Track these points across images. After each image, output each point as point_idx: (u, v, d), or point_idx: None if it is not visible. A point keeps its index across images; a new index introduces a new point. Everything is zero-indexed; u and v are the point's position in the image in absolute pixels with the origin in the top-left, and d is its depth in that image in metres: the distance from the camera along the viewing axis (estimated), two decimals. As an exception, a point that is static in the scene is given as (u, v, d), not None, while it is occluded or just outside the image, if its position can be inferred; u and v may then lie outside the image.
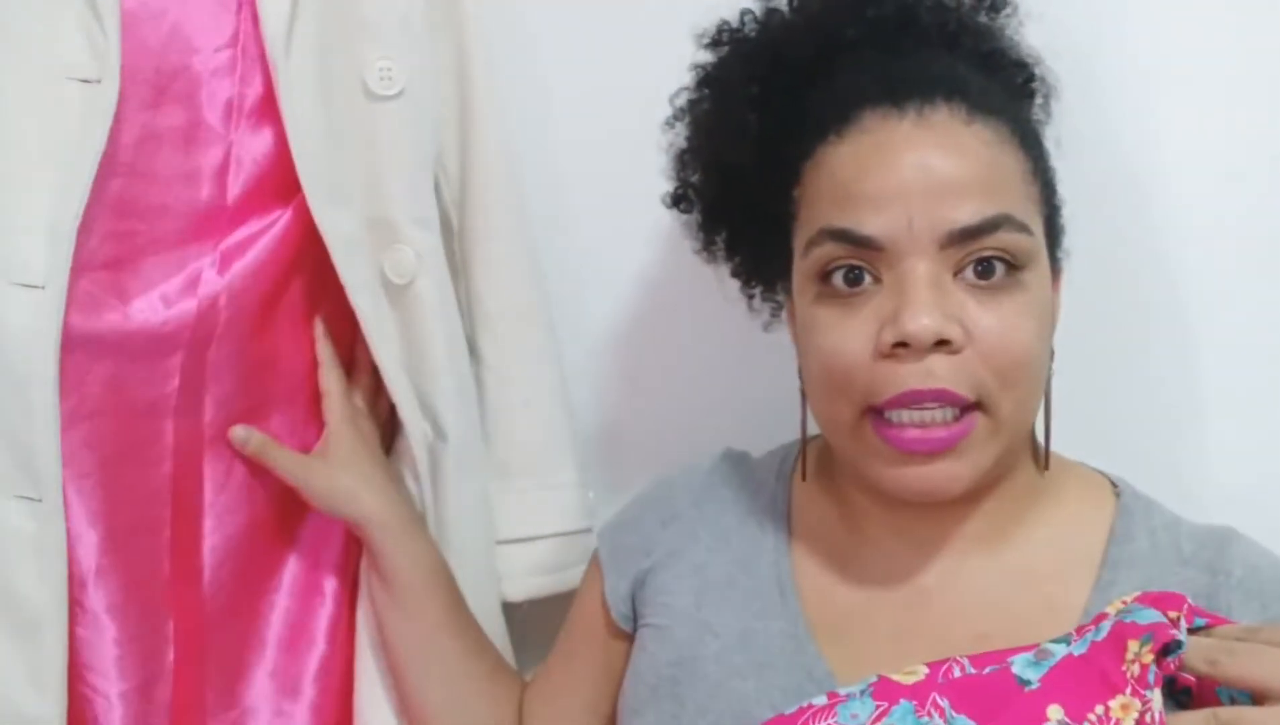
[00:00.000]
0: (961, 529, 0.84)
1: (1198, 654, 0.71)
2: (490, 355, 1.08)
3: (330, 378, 0.99)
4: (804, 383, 0.86)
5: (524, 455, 1.08)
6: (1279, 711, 0.69)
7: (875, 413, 0.79)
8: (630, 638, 0.93)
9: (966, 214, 0.77)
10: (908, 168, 0.78)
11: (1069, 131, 0.91)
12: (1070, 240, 0.88)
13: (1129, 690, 0.70)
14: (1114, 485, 0.87)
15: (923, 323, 0.75)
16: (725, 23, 0.91)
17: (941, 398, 0.77)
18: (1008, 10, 0.89)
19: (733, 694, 0.84)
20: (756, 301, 0.96)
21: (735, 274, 0.96)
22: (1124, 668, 0.71)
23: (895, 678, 0.75)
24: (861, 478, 0.83)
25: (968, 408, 0.78)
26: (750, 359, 1.07)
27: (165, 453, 0.94)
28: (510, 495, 1.08)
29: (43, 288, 0.89)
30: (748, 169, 0.88)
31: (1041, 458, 0.86)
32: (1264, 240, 1.00)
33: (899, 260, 0.78)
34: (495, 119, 1.07)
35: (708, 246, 0.95)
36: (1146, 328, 1.05)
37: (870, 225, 0.78)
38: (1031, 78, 0.90)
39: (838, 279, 0.80)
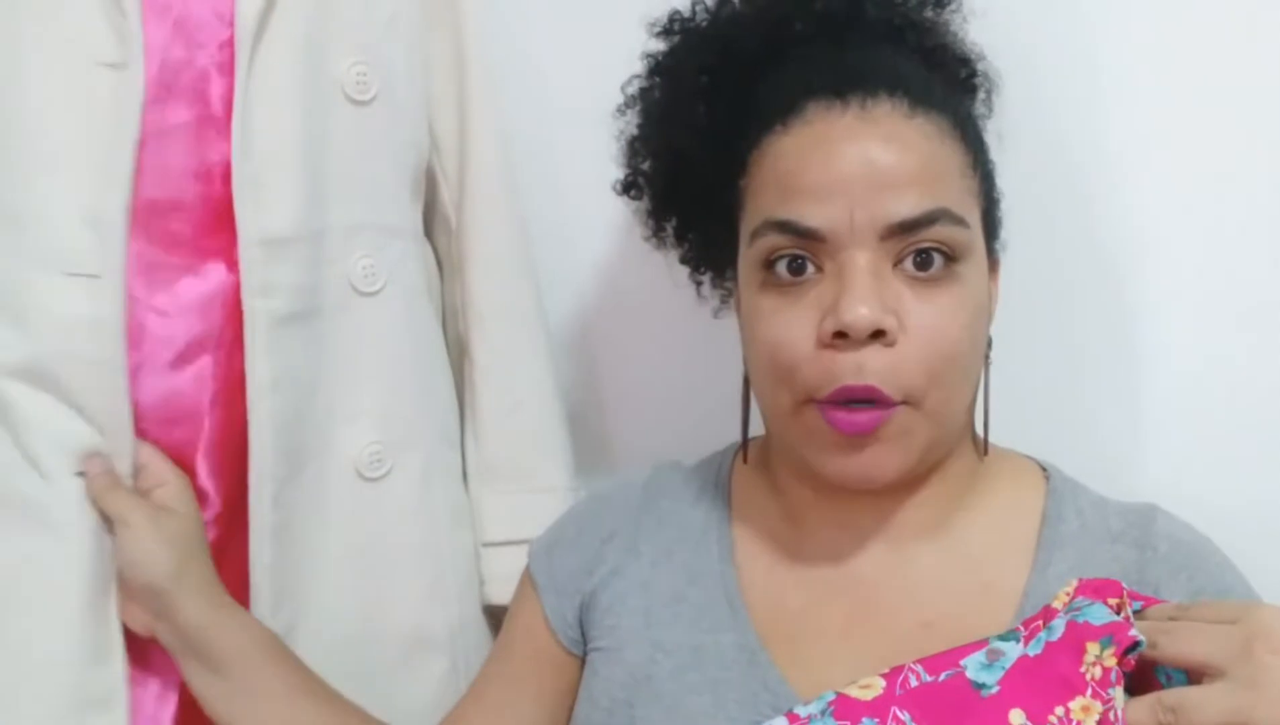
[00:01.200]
0: (901, 517, 0.86)
1: None
2: (482, 356, 1.08)
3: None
4: (748, 370, 0.87)
5: (514, 457, 1.09)
6: (1217, 687, 0.71)
7: (814, 401, 0.80)
8: (577, 659, 0.92)
9: (906, 206, 0.78)
10: (849, 160, 0.79)
11: (1009, 126, 0.93)
12: (1010, 233, 0.90)
13: (1089, 692, 0.72)
14: (1043, 470, 0.89)
15: (860, 312, 0.77)
16: (676, 12, 0.92)
17: (869, 395, 0.78)
18: (952, 6, 0.91)
19: (688, 712, 0.84)
20: (706, 288, 0.98)
21: (684, 260, 0.96)
22: (1083, 669, 0.72)
23: (853, 694, 0.75)
24: (802, 465, 0.85)
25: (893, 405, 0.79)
26: (730, 359, 1.04)
27: (188, 463, 0.95)
28: (499, 497, 1.08)
29: (98, 277, 0.89)
30: (696, 159, 0.89)
31: (979, 445, 0.88)
32: (1202, 234, 1.02)
33: (840, 251, 0.79)
34: (493, 119, 1.07)
35: (657, 233, 0.96)
36: (1084, 319, 1.06)
37: (812, 217, 0.79)
38: (974, 73, 0.92)
39: (781, 268, 0.81)
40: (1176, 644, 0.73)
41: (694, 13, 0.91)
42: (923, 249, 0.79)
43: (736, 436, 0.95)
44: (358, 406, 1.00)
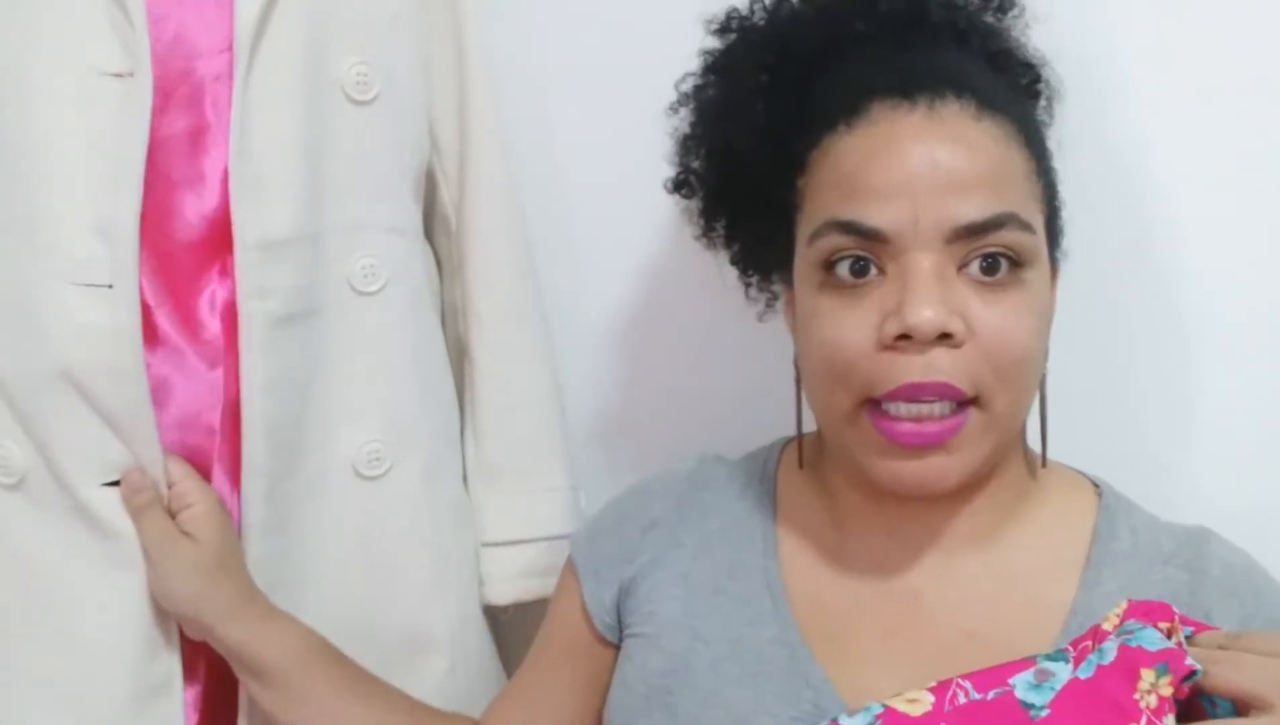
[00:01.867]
0: (950, 527, 0.84)
1: None
2: (481, 356, 1.08)
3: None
4: (801, 372, 0.86)
5: (514, 457, 1.08)
6: (1263, 720, 0.69)
7: (873, 404, 0.79)
8: (615, 647, 0.92)
9: (973, 210, 0.77)
10: (915, 160, 0.78)
11: (1069, 134, 0.91)
12: (1067, 241, 0.88)
13: (1144, 721, 0.70)
14: (1095, 486, 0.88)
15: (925, 316, 0.75)
16: (735, 10, 0.90)
17: (942, 392, 0.77)
18: (1015, 11, 0.89)
19: (727, 704, 0.83)
20: (753, 291, 0.96)
21: (734, 261, 0.95)
22: (1137, 696, 0.71)
23: (900, 707, 0.74)
24: (854, 470, 0.83)
25: (963, 403, 0.78)
26: (746, 360, 1.08)
27: (207, 475, 0.95)
28: (499, 498, 1.07)
29: (110, 287, 0.90)
30: (753, 157, 0.87)
31: (1031, 458, 0.87)
32: (1256, 245, 1.01)
33: (903, 253, 0.77)
34: (493, 119, 1.06)
35: (707, 233, 0.95)
36: (1139, 330, 1.05)
37: (876, 217, 0.78)
38: (1037, 79, 0.90)
39: (843, 269, 0.79)
40: (1225, 673, 0.72)
41: (752, 10, 0.90)
42: (989, 254, 0.78)
43: (744, 439, 0.95)
44: (357, 406, 1.00)
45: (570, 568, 0.95)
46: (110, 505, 0.93)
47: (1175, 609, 0.75)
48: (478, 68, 1.05)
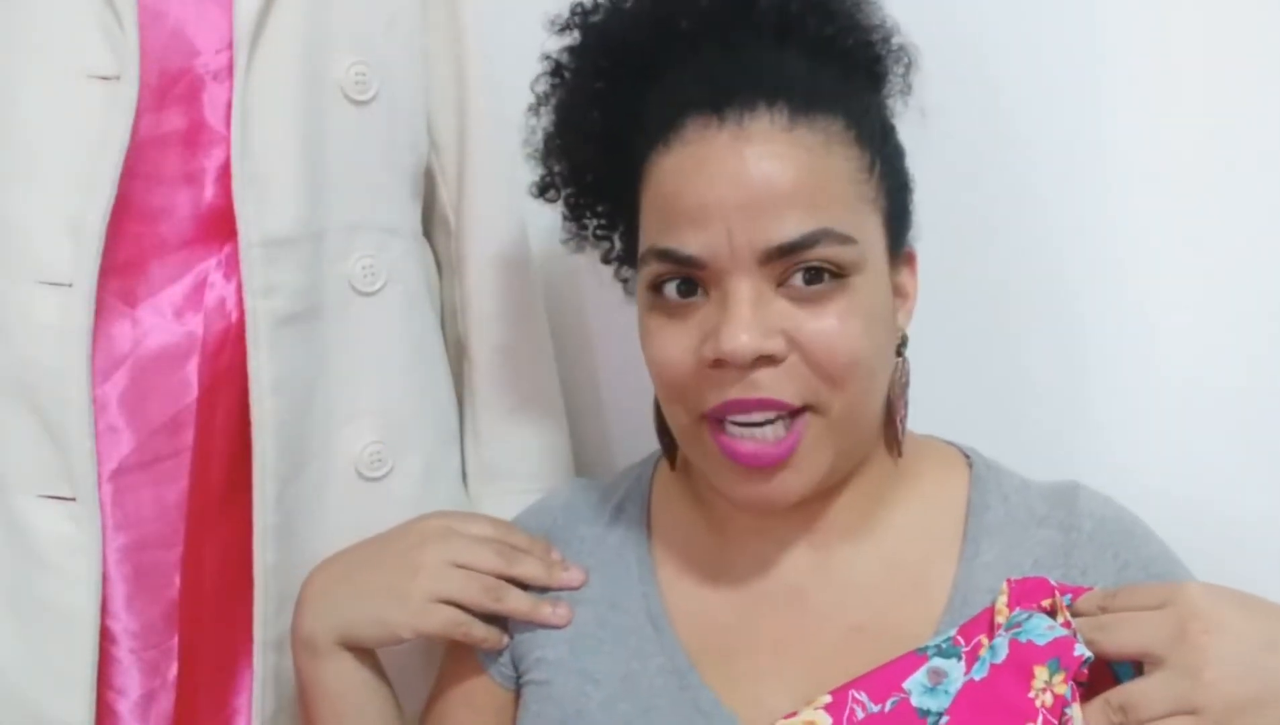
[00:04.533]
0: (824, 522, 0.85)
1: None
2: (481, 356, 1.08)
3: None
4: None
5: (513, 458, 1.08)
6: (1158, 677, 0.71)
7: (713, 421, 0.79)
8: (514, 693, 0.91)
9: (786, 229, 0.76)
10: (725, 183, 0.77)
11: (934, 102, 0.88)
12: (935, 213, 0.87)
13: (1040, 720, 0.71)
14: (966, 456, 0.88)
15: (741, 341, 0.76)
16: (578, 5, 0.88)
17: (765, 406, 0.77)
18: None
19: None
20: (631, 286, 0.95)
21: (605, 260, 0.94)
22: (1032, 695, 0.72)
23: None
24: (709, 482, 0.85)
25: (798, 412, 0.78)
26: None
27: (183, 468, 0.94)
28: (499, 497, 1.07)
29: (70, 286, 0.89)
30: (597, 166, 0.88)
31: (896, 442, 0.86)
32: (1130, 215, 0.99)
33: (722, 276, 0.78)
34: (493, 118, 1.06)
35: (577, 235, 0.94)
36: (1011, 302, 1.04)
37: (691, 245, 0.78)
38: (878, 59, 0.86)
39: (670, 291, 0.80)
40: (1113, 638, 0.74)
41: (595, 4, 0.88)
42: (809, 268, 0.78)
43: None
44: (358, 406, 1.00)
45: None
46: (43, 519, 0.91)
47: (1052, 580, 0.77)
48: (477, 67, 1.05)
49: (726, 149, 0.78)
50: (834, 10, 0.84)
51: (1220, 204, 0.95)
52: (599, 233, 0.93)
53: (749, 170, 0.77)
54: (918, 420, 0.89)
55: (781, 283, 0.78)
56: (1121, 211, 0.98)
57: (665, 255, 0.79)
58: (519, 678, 0.90)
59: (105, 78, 0.90)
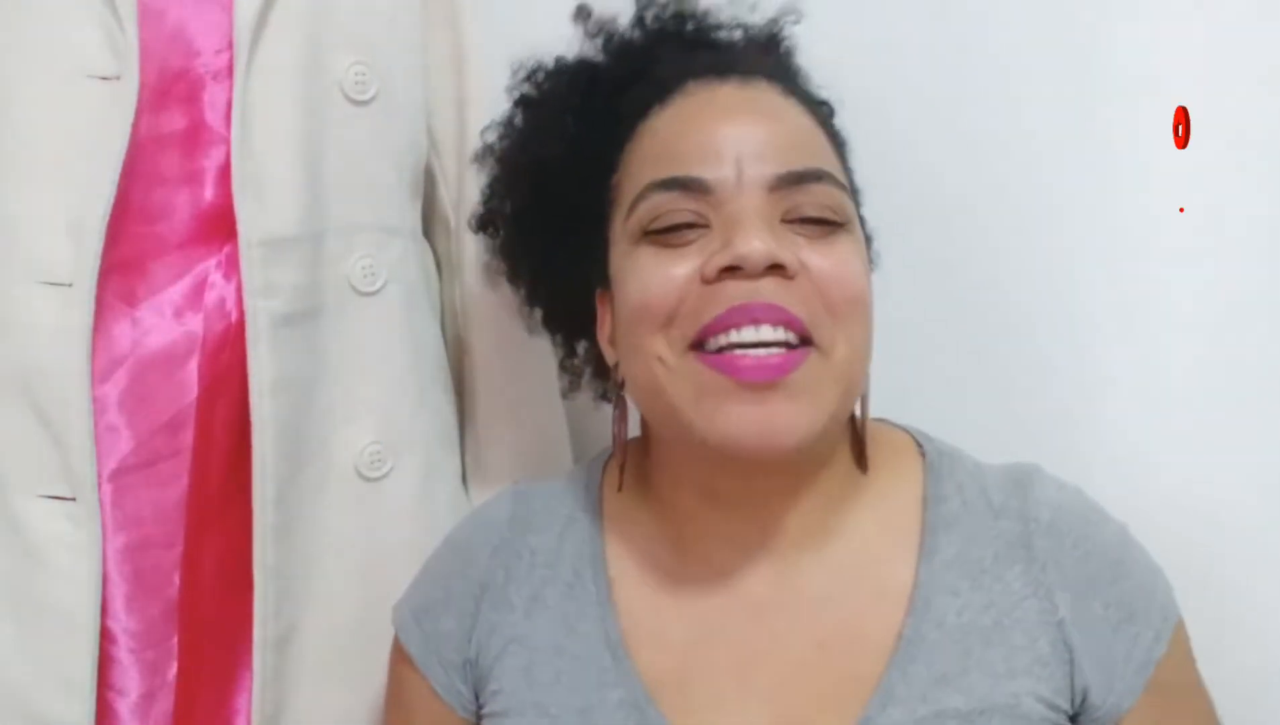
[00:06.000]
0: (783, 528, 0.81)
1: None
2: (481, 356, 1.08)
3: None
4: (621, 338, 0.82)
5: (512, 458, 1.08)
6: None
7: (700, 350, 0.76)
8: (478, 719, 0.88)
9: (793, 160, 0.78)
10: (733, 122, 0.79)
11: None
12: (936, 213, 0.91)
13: None
14: (917, 443, 0.86)
15: (754, 245, 0.74)
16: (538, 63, 0.92)
17: (773, 313, 0.74)
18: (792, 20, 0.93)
19: None
20: (565, 361, 0.97)
21: (545, 322, 0.96)
22: None
23: None
24: (685, 462, 0.81)
25: (800, 343, 0.75)
26: None
27: (183, 468, 0.94)
28: None
29: (70, 286, 0.89)
30: (564, 166, 0.87)
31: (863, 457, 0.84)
32: (1135, 207, 1.01)
33: (727, 202, 0.77)
34: (493, 118, 1.03)
35: (512, 272, 0.95)
36: (1012, 299, 1.06)
37: (699, 170, 0.78)
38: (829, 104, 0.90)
39: (664, 229, 0.78)
40: None
41: (557, 64, 0.92)
42: (809, 216, 0.78)
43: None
44: (358, 407, 1.00)
45: (403, 657, 0.89)
46: (42, 519, 0.91)
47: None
48: (476, 67, 1.05)
49: (732, 95, 0.81)
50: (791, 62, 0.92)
51: (1221, 201, 0.97)
52: (535, 273, 0.93)
53: (758, 110, 0.80)
54: (919, 419, 0.89)
55: (786, 220, 0.78)
56: (1126, 202, 1.00)
57: (669, 183, 0.78)
58: (480, 707, 0.87)
59: (105, 78, 0.90)
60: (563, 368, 0.98)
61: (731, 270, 0.75)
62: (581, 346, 0.96)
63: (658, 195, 0.78)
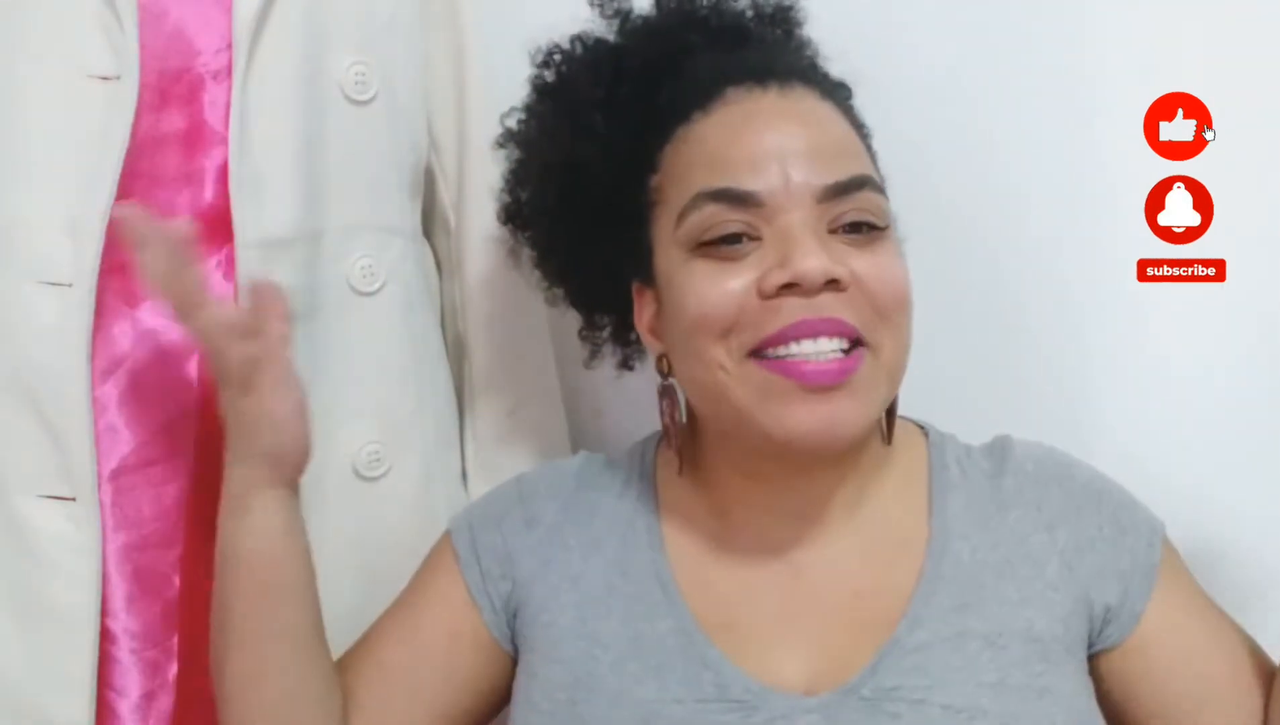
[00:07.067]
0: (824, 501, 0.87)
1: None
2: (481, 356, 1.08)
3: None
4: (674, 346, 0.86)
5: (514, 458, 1.08)
6: None
7: (758, 357, 0.81)
8: (505, 654, 0.91)
9: (838, 171, 0.82)
10: (779, 132, 0.83)
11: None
12: (937, 212, 0.94)
13: None
14: (921, 428, 0.93)
15: (812, 264, 0.79)
16: (555, 45, 0.94)
17: (833, 326, 0.80)
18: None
19: (634, 702, 0.84)
20: (587, 333, 0.99)
21: (573, 301, 0.97)
22: None
23: None
24: (737, 450, 0.86)
25: (854, 346, 0.81)
26: None
27: (183, 468, 0.94)
28: None
29: (70, 286, 0.90)
30: (596, 166, 0.89)
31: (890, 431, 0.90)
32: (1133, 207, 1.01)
33: (778, 215, 0.81)
34: (493, 117, 1.04)
35: (543, 264, 0.96)
36: (1012, 297, 1.08)
37: (750, 182, 0.81)
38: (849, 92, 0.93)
39: (717, 241, 0.82)
40: None
41: (574, 46, 0.93)
42: (853, 222, 0.82)
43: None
44: (356, 406, 1.00)
45: (449, 551, 0.93)
46: (43, 519, 0.91)
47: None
48: (476, 67, 1.05)
49: (774, 106, 0.84)
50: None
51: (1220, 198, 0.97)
52: (569, 258, 0.94)
53: (801, 119, 0.84)
54: (926, 413, 0.92)
55: (831, 230, 0.82)
56: (1124, 202, 1.00)
57: (720, 195, 0.82)
58: (519, 644, 0.90)
59: (105, 78, 0.90)
60: (581, 337, 1.00)
61: (789, 286, 0.79)
62: (605, 321, 0.98)
63: (709, 206, 0.82)
